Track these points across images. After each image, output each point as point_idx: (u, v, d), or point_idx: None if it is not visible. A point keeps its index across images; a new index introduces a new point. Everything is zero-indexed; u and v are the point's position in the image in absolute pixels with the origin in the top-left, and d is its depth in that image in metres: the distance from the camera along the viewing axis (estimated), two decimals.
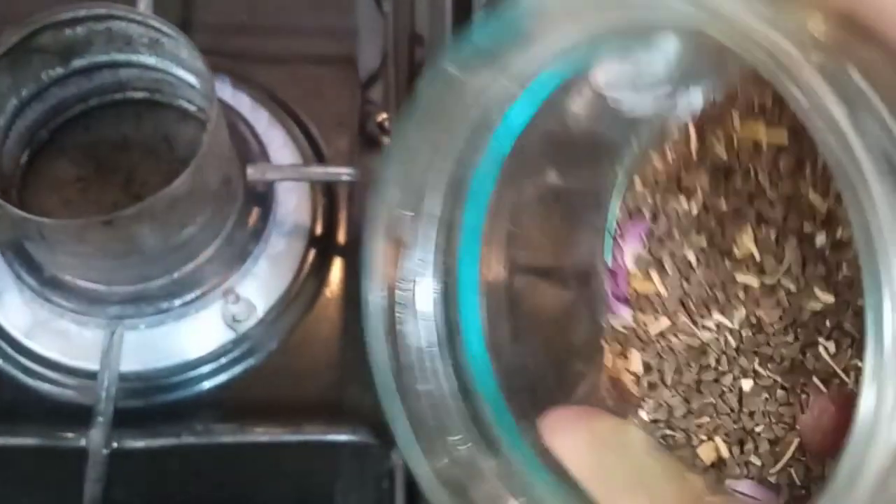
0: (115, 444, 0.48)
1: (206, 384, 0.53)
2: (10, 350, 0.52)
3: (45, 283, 0.52)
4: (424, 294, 0.23)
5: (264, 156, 0.56)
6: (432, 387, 0.22)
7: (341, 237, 0.57)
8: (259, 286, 0.54)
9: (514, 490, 0.20)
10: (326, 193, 0.57)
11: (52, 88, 0.52)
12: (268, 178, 0.54)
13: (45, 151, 0.54)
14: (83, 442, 0.47)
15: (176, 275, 0.52)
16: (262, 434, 0.48)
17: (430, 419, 0.21)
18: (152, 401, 0.52)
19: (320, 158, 0.58)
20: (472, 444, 0.21)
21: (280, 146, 0.57)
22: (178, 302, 0.52)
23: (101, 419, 0.48)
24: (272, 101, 0.58)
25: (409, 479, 0.49)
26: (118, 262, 0.49)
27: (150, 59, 0.52)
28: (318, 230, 0.56)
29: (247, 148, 0.55)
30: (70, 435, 0.48)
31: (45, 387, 0.52)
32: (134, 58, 0.53)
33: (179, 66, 0.52)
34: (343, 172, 0.54)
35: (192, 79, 0.52)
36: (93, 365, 0.51)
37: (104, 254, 0.48)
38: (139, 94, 0.55)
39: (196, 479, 0.50)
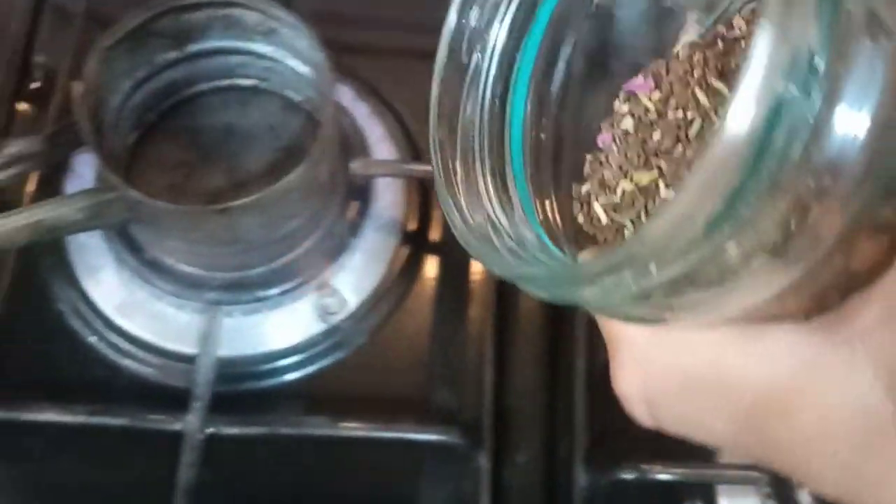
0: (210, 430, 0.48)
1: (294, 374, 0.53)
2: (102, 328, 0.53)
3: (145, 265, 0.52)
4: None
5: (364, 149, 0.56)
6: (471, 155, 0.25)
7: (434, 235, 0.57)
8: (353, 280, 0.54)
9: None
10: (420, 190, 0.57)
11: (164, 72, 0.53)
12: (371, 173, 0.54)
13: (152, 134, 0.54)
14: (178, 426, 0.48)
15: (275, 264, 0.52)
16: (354, 429, 0.49)
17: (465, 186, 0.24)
18: (240, 388, 0.52)
19: (416, 154, 0.58)
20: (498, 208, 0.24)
21: (378, 140, 0.57)
22: (274, 291, 0.52)
23: (198, 403, 0.48)
24: (372, 94, 0.59)
25: (496, 481, 0.49)
26: (224, 249, 0.49)
27: (264, 48, 0.53)
28: (412, 227, 0.56)
29: (348, 141, 0.55)
30: (165, 418, 0.48)
31: (136, 367, 0.52)
32: (248, 45, 0.53)
33: (294, 56, 0.52)
34: None
35: (303, 69, 0.52)
36: (187, 348, 0.52)
37: (212, 241, 0.48)
38: (246, 82, 0.55)
39: (283, 468, 0.51)
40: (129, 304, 0.53)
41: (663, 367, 0.19)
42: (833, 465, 0.17)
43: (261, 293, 0.52)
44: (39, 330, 0.53)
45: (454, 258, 0.56)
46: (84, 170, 0.55)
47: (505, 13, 0.25)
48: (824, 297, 0.18)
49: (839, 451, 0.16)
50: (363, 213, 0.55)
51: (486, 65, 0.26)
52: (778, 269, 0.17)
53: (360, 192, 0.55)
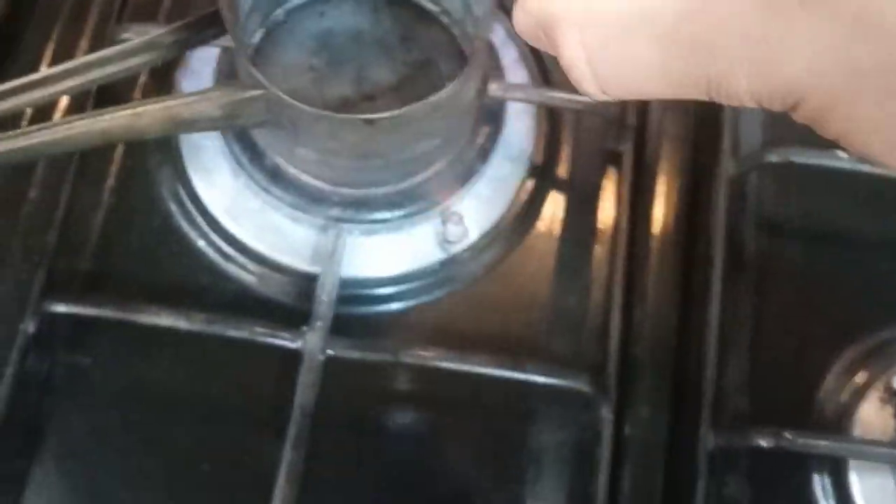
0: (330, 352, 0.46)
1: (411, 302, 0.50)
2: (213, 234, 0.50)
3: (266, 172, 0.49)
4: None
5: (499, 71, 0.53)
6: None
7: (562, 170, 0.54)
8: (476, 209, 0.51)
9: None
10: (551, 121, 0.54)
11: None
12: (508, 97, 0.51)
13: (278, 33, 0.51)
14: (299, 344, 0.45)
15: (403, 185, 0.49)
16: (482, 365, 0.46)
17: None
18: (354, 311, 0.50)
19: (549, 82, 0.55)
20: None
21: (512, 62, 0.54)
22: (398, 213, 0.50)
23: (320, 323, 0.46)
24: (508, 14, 0.55)
25: (617, 433, 0.47)
26: (357, 163, 0.46)
27: None
28: (539, 159, 0.53)
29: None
30: (286, 335, 0.46)
31: (247, 277, 0.50)
32: None
33: None
34: (585, 101, 0.51)
35: None
36: (304, 265, 0.49)
37: (349, 153, 0.45)
38: None
39: (396, 398, 0.48)
40: (243, 212, 0.50)
41: (596, 21, 0.20)
42: (743, 42, 0.18)
43: (383, 214, 0.49)
44: (147, 229, 0.50)
45: (582, 195, 0.53)
46: (200, 66, 0.52)
47: None
48: None
49: (746, 24, 0.18)
50: (493, 139, 0.52)
51: None
52: None
53: (492, 117, 0.52)
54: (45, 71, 0.44)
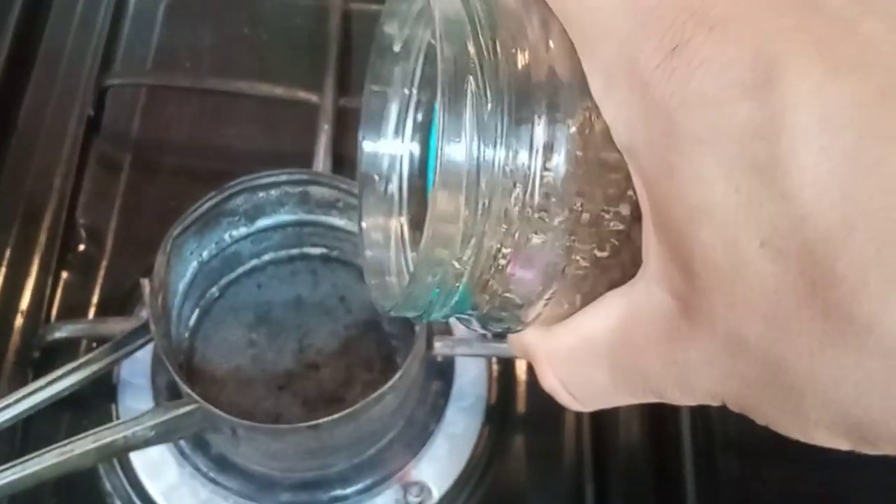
0: None
1: None
2: None
3: (212, 462, 0.47)
4: None
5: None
6: None
7: (520, 406, 0.52)
8: (437, 468, 0.49)
9: None
10: (502, 361, 0.53)
11: (231, 246, 0.48)
12: (457, 353, 0.50)
13: (216, 310, 0.50)
14: None
15: (356, 461, 0.47)
16: None
17: None
18: None
19: None
20: None
21: None
22: (353, 489, 0.48)
23: None
24: None
25: None
26: (303, 457, 0.45)
27: (338, 221, 0.48)
28: (495, 401, 0.52)
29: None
30: None
31: None
32: (322, 219, 0.48)
33: None
34: None
35: None
36: None
37: (294, 450, 0.44)
38: (316, 251, 0.51)
39: None
40: (191, 502, 0.48)
41: (556, 356, 0.22)
42: (663, 367, 0.19)
43: (338, 492, 0.47)
44: None
45: (543, 430, 0.52)
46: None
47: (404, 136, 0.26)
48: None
49: (661, 353, 0.19)
50: (445, 393, 0.50)
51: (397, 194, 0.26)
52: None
53: (442, 371, 0.51)
54: None
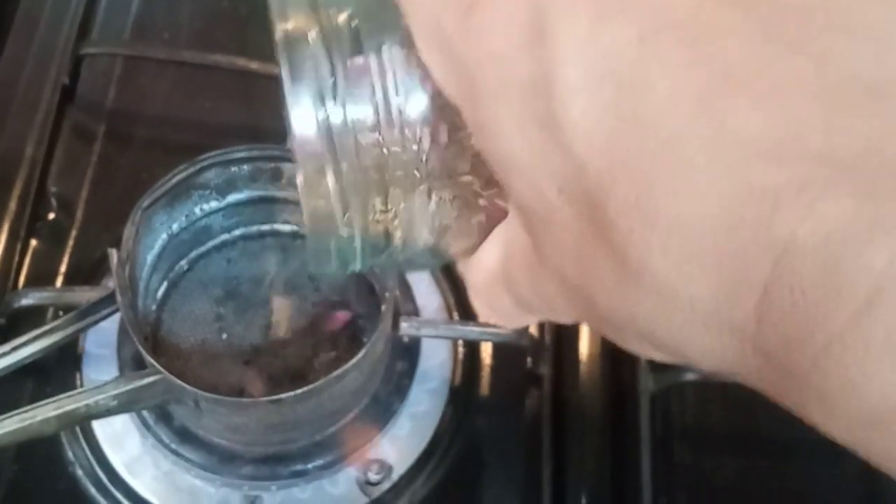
0: None
1: None
2: (122, 499, 0.48)
3: (175, 434, 0.48)
4: None
5: (411, 301, 0.52)
6: None
7: (483, 389, 0.53)
8: (399, 447, 0.50)
9: None
10: (468, 346, 0.53)
11: (200, 220, 0.48)
12: (422, 334, 0.50)
13: (183, 284, 0.50)
14: None
15: (318, 437, 0.48)
16: None
17: None
18: None
19: (465, 304, 0.54)
20: None
21: (425, 289, 0.53)
22: (314, 464, 0.48)
23: None
24: None
25: None
26: (265, 430, 0.45)
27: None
28: (459, 382, 0.52)
29: (396, 299, 0.51)
30: None
31: None
32: (294, 196, 0.48)
33: None
34: (502, 333, 0.51)
35: None
36: None
37: (256, 425, 0.44)
38: (287, 227, 0.51)
39: None
40: (154, 473, 0.48)
41: (475, 284, 0.23)
42: (536, 300, 0.21)
43: (300, 467, 0.48)
44: (54, 494, 0.48)
45: (504, 419, 0.52)
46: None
47: None
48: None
49: (525, 290, 0.21)
50: (410, 374, 0.51)
51: None
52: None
53: (408, 351, 0.51)
54: None
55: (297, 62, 0.19)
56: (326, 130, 0.19)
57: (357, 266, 0.22)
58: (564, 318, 0.21)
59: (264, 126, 0.58)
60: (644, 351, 0.19)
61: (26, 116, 0.56)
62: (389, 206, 0.21)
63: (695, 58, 0.16)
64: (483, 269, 0.22)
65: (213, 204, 0.48)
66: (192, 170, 0.44)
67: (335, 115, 0.19)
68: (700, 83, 0.15)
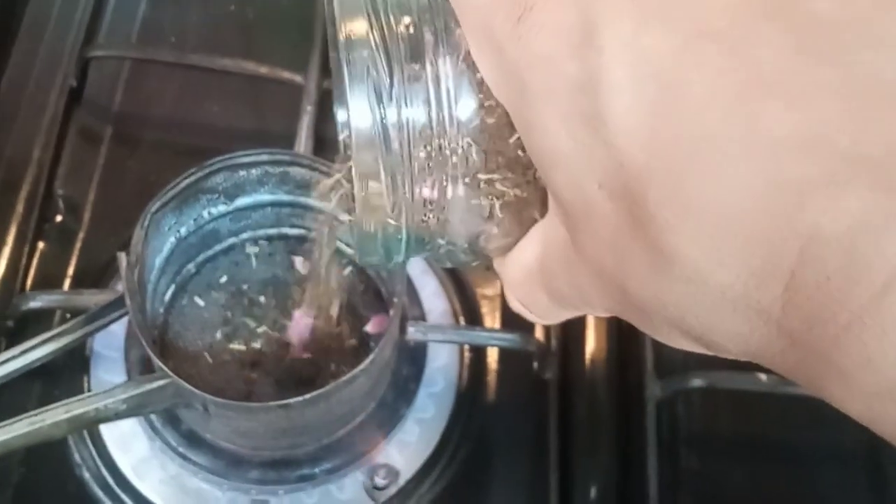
0: None
1: None
2: (129, 502, 0.48)
3: (182, 437, 0.48)
4: None
5: (418, 306, 0.52)
6: None
7: (489, 400, 0.53)
8: (406, 451, 0.50)
9: None
10: (474, 350, 0.53)
11: (209, 224, 0.48)
12: (429, 339, 0.50)
13: (191, 287, 0.50)
14: None
15: (326, 441, 0.48)
16: None
17: None
18: None
19: (470, 307, 0.54)
20: None
21: (431, 294, 0.53)
22: (321, 468, 0.48)
23: None
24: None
25: None
26: (273, 435, 0.45)
27: (318, 203, 0.49)
28: (466, 387, 0.52)
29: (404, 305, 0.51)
30: None
31: None
32: (301, 200, 0.49)
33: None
34: (508, 338, 0.51)
35: None
36: None
37: (265, 429, 0.44)
38: (294, 232, 0.51)
39: None
40: (161, 476, 0.48)
41: (512, 281, 0.23)
42: (572, 294, 0.22)
43: (307, 471, 0.48)
44: (60, 498, 0.48)
45: (510, 424, 0.52)
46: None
47: None
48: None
49: (562, 285, 0.22)
50: (417, 378, 0.51)
51: None
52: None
53: (414, 355, 0.51)
54: None
55: (358, 63, 0.20)
56: (381, 127, 0.21)
57: (401, 258, 0.23)
58: (597, 311, 0.22)
59: (271, 130, 0.58)
60: (672, 339, 0.20)
61: (34, 119, 0.56)
62: (435, 202, 0.22)
63: (731, 64, 0.17)
64: (521, 265, 0.23)
65: (222, 208, 0.48)
66: (200, 174, 0.44)
67: (390, 113, 0.21)
68: (735, 86, 0.17)
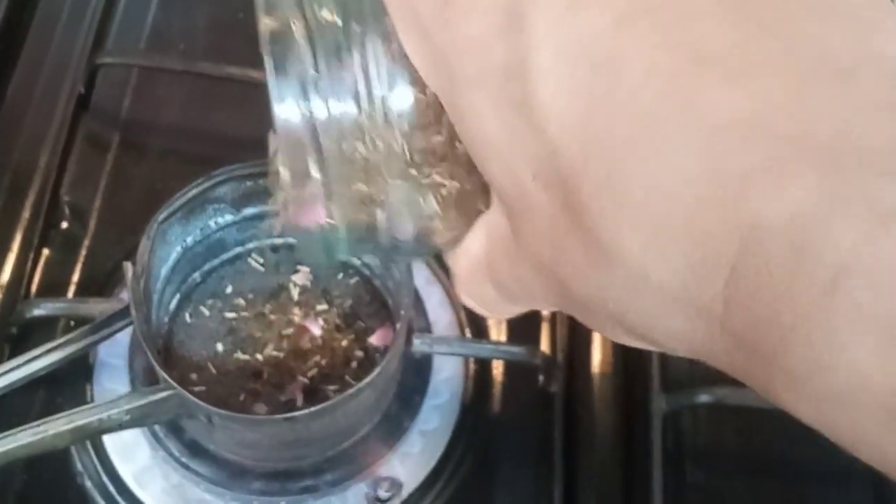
0: None
1: None
2: None
3: (185, 447, 0.47)
4: None
5: (423, 316, 0.52)
6: None
7: (493, 413, 0.53)
8: (409, 463, 0.49)
9: None
10: (479, 362, 0.53)
11: (215, 233, 0.48)
12: (435, 351, 0.50)
13: (196, 296, 0.50)
14: None
15: (330, 453, 0.47)
16: None
17: None
18: None
19: (477, 320, 0.54)
20: None
21: (437, 304, 0.53)
22: (324, 480, 0.48)
23: None
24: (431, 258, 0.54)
25: None
26: (278, 447, 0.45)
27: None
28: (470, 399, 0.52)
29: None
30: None
31: None
32: None
33: None
34: (514, 351, 0.50)
35: None
36: None
37: (270, 440, 0.44)
38: None
39: None
40: (163, 486, 0.48)
41: (460, 274, 0.22)
42: (515, 287, 0.21)
43: (310, 482, 0.48)
44: None
45: (515, 437, 0.52)
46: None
47: None
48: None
49: (506, 278, 0.21)
50: (422, 390, 0.51)
51: None
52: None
53: (419, 368, 0.51)
54: None
55: (281, 56, 0.19)
56: (310, 123, 0.19)
57: (343, 255, 0.22)
58: (542, 305, 0.21)
59: None
60: (617, 335, 0.19)
61: (41, 125, 0.56)
62: (373, 197, 0.21)
63: (668, 40, 0.16)
64: (467, 257, 0.22)
65: (228, 217, 0.48)
66: (207, 184, 0.44)
67: (319, 108, 0.19)
68: (672, 64, 0.15)
